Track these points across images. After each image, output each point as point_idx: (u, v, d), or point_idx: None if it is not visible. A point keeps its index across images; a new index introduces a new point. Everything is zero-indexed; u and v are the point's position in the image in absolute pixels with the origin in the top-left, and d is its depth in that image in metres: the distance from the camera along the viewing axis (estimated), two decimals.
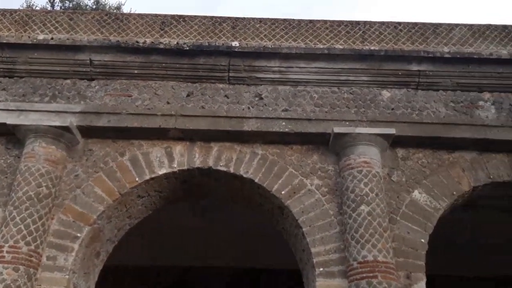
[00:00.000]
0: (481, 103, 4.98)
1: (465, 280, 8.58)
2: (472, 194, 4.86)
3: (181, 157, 4.74)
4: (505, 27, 5.57)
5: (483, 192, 4.92)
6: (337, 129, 4.69)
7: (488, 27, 5.58)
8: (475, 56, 4.99)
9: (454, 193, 4.71)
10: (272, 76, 5.05)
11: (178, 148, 4.78)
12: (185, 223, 6.61)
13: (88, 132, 4.77)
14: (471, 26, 5.58)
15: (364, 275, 4.09)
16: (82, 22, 5.47)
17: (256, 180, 4.67)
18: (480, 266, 8.19)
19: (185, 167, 4.69)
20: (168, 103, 4.92)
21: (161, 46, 5.02)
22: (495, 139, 4.77)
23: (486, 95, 5.02)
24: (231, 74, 5.04)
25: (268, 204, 4.88)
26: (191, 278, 7.60)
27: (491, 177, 4.77)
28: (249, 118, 4.81)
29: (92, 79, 5.08)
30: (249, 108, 4.92)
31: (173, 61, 5.00)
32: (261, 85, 5.05)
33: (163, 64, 5.01)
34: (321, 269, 4.30)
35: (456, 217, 6.15)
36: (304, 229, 4.48)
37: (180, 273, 7.56)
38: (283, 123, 4.83)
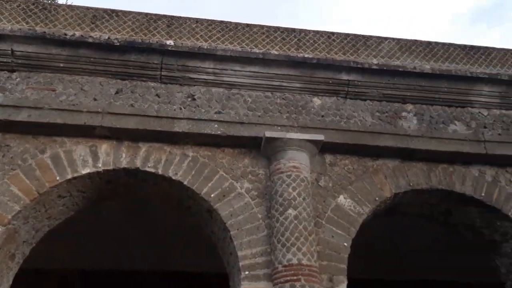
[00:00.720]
0: (404, 114, 5.24)
1: (385, 284, 8.96)
2: (394, 200, 5.10)
3: (107, 157, 4.56)
4: (429, 43, 5.91)
5: (404, 199, 5.17)
6: (268, 134, 4.74)
7: (414, 42, 5.89)
8: (400, 69, 5.24)
9: (377, 199, 4.91)
10: (206, 77, 5.01)
11: (104, 147, 4.60)
12: (111, 224, 6.38)
13: (6, 126, 4.47)
14: (398, 40, 5.87)
15: (288, 278, 4.15)
16: (6, 10, 5.14)
17: (185, 183, 4.60)
18: (400, 271, 8.60)
19: (111, 167, 4.52)
20: (95, 99, 4.72)
21: (90, 40, 4.81)
22: (415, 148, 5.03)
23: (409, 107, 5.29)
24: (163, 73, 4.93)
25: (197, 206, 4.83)
26: (117, 282, 7.34)
27: (411, 184, 5.03)
28: (181, 119, 4.74)
29: (13, 71, 4.77)
30: (181, 108, 4.85)
31: (103, 56, 4.81)
32: (194, 86, 4.99)
33: (92, 59, 4.80)
34: (246, 272, 4.31)
35: (378, 222, 6.44)
36: (232, 232, 4.47)
37: (105, 277, 7.27)
38: (216, 126, 4.80)
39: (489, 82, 5.30)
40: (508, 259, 5.22)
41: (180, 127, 4.70)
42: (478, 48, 5.96)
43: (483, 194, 5.05)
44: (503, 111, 5.38)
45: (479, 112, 5.35)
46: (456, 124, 5.25)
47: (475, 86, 5.31)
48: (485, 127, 5.25)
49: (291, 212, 4.44)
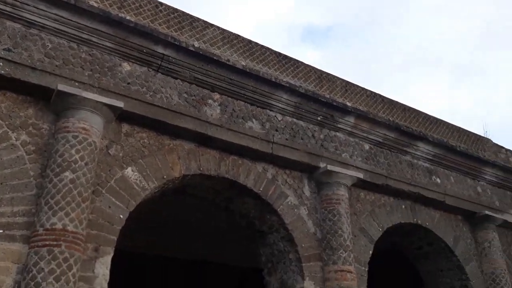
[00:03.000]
0: (210, 101, 5.40)
1: (166, 260, 9.23)
2: (182, 181, 5.22)
3: None
4: (250, 41, 6.22)
5: (192, 182, 5.35)
6: (62, 87, 4.35)
7: (237, 37, 6.13)
8: (215, 58, 5.38)
9: (165, 177, 4.95)
10: (3, 7, 4.33)
11: None
12: None
13: None
14: (223, 31, 6.03)
15: (48, 242, 3.88)
16: None
17: None
18: (183, 249, 8.96)
19: None
20: None
21: None
22: (213, 136, 5.23)
23: (216, 96, 5.47)
24: None
25: None
26: None
27: (201, 169, 5.21)
28: None
29: None
30: None
31: None
32: None
33: None
34: (1, 231, 3.88)
35: (168, 200, 6.55)
36: None
37: None
38: (1, 64, 4.20)
39: (288, 91, 5.83)
40: (270, 249, 5.85)
41: None
42: (290, 58, 6.52)
43: (261, 189, 5.55)
44: (294, 120, 5.99)
45: (275, 116, 5.85)
46: (253, 122, 5.64)
47: (276, 92, 5.78)
48: (276, 130, 5.77)
49: (68, 175, 4.16)
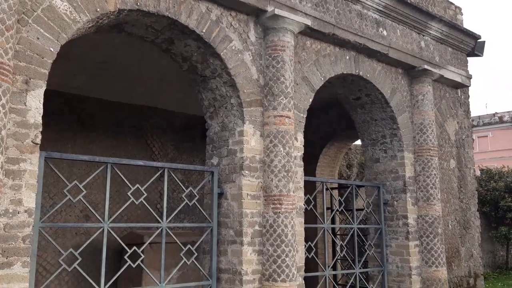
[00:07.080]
0: None
1: (115, 104, 9.16)
2: (118, 17, 4.88)
3: None
4: None
5: (129, 18, 5.00)
6: None
7: None
8: None
9: (98, 10, 4.59)
10: None
11: None
12: None
13: None
14: None
15: None
16: None
17: None
18: (129, 94, 8.84)
19: None
20: None
21: None
22: None
23: None
24: None
25: None
26: None
27: (138, 4, 4.85)
28: None
29: None
30: None
31: None
32: None
33: None
34: None
35: (108, 41, 6.21)
36: None
37: None
38: None
39: None
40: (212, 94, 5.88)
41: None
42: None
43: (204, 31, 5.32)
44: None
45: None
46: None
47: None
48: None
49: None
